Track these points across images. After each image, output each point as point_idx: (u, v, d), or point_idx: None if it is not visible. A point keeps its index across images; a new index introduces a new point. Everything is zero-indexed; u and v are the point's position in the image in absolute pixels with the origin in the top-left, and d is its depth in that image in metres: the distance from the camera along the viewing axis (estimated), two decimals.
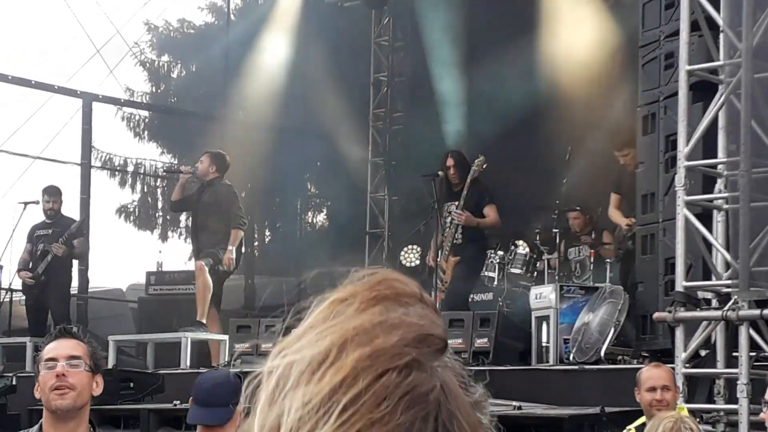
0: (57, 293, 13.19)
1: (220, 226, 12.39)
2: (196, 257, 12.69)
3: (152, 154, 21.26)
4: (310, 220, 21.76)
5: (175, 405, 9.85)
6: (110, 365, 11.67)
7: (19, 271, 13.43)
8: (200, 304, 12.17)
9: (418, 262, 16.28)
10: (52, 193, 13.40)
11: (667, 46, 9.41)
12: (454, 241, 11.88)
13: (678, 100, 8.49)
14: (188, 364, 11.81)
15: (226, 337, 11.93)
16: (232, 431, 5.21)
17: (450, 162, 11.95)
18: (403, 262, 16.41)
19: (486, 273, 13.05)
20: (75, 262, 13.71)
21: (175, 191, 13.01)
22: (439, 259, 11.95)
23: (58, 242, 13.00)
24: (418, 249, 16.27)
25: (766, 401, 5.09)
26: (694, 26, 8.35)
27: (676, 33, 9.15)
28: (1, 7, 21.86)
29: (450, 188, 11.97)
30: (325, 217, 21.74)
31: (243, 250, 13.53)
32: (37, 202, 13.61)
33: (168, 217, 21.05)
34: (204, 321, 12.09)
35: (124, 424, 10.30)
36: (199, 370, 11.53)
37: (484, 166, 11.80)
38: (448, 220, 11.92)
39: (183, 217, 21.15)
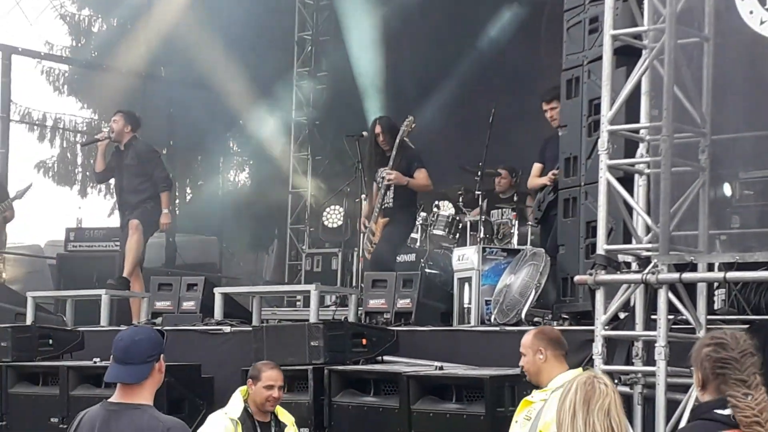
0: None
1: (146, 185, 12.39)
2: (122, 215, 12.65)
3: (72, 109, 21.01)
4: (232, 179, 21.66)
5: (95, 362, 9.78)
6: (29, 322, 11.57)
7: None
8: (128, 262, 12.16)
9: (340, 222, 16.29)
10: None
11: (592, 11, 9.45)
12: (384, 205, 11.87)
13: (601, 64, 8.54)
14: (108, 321, 11.74)
15: (146, 295, 11.87)
16: (151, 387, 5.19)
17: (378, 129, 11.91)
18: (326, 222, 16.41)
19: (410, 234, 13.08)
20: None
21: (97, 162, 12.87)
22: (369, 222, 11.94)
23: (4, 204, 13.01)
24: (341, 209, 16.28)
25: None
26: None
27: None
28: None
29: (381, 154, 11.92)
30: (247, 175, 21.65)
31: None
32: None
33: (87, 173, 20.83)
34: (129, 278, 12.07)
35: (42, 380, 10.20)
36: (120, 328, 11.47)
37: (413, 126, 11.78)
38: (382, 184, 11.87)
39: None
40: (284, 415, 8.08)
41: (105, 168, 12.76)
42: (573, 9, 9.64)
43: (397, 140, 11.72)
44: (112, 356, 5.24)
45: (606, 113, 8.07)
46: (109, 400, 5.24)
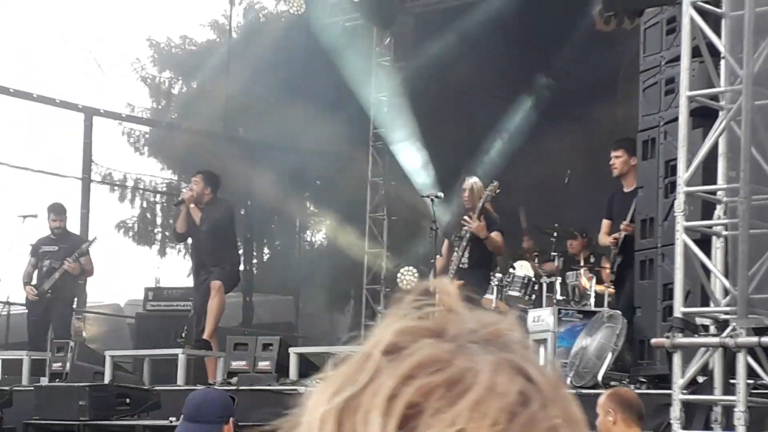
0: (61, 309, 13.35)
1: (224, 247, 12.54)
2: (197, 275, 12.76)
3: (152, 170, 21.28)
4: (308, 239, 21.77)
5: (171, 421, 9.84)
6: (107, 380, 11.68)
7: (25, 285, 13.53)
8: (210, 323, 12.24)
9: (414, 284, 16.28)
10: (58, 212, 13.61)
11: (668, 72, 9.43)
12: (460, 265, 11.84)
13: (677, 125, 8.51)
14: (184, 380, 11.81)
15: (222, 354, 11.93)
16: None
17: (466, 185, 11.92)
18: (400, 284, 16.42)
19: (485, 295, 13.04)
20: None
21: (179, 223, 12.96)
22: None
23: (69, 258, 13.17)
24: (415, 270, 16.28)
25: None
26: (695, 52, 8.35)
27: (677, 59, 9.18)
28: (4, 18, 21.91)
29: (462, 213, 11.90)
30: (323, 236, 21.75)
31: (241, 267, 13.56)
32: (35, 216, 13.70)
33: (167, 233, 21.05)
34: (209, 340, 12.16)
35: None
36: (196, 387, 11.54)
37: (497, 191, 11.78)
38: (462, 243, 11.84)
39: None
40: None
41: (186, 229, 12.86)
42: (649, 70, 9.62)
43: (480, 203, 11.70)
44: (182, 414, 5.31)
45: (683, 174, 8.04)
46: None
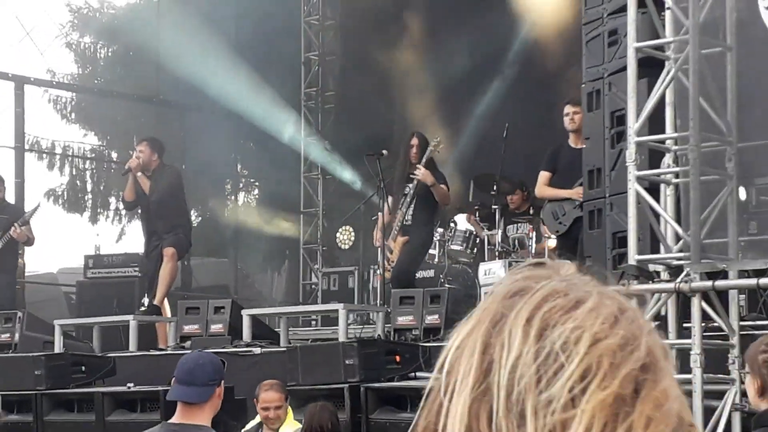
0: (4, 279, 13.26)
1: (177, 213, 12.54)
2: (149, 241, 12.74)
3: (79, 137, 21.11)
4: (241, 201, 21.76)
5: (129, 387, 9.87)
6: (58, 349, 11.66)
7: None
8: (162, 289, 12.27)
9: (351, 243, 16.38)
10: None
11: (611, 24, 9.56)
12: (405, 222, 11.95)
13: (623, 76, 8.65)
14: (136, 346, 11.83)
15: (174, 319, 11.96)
16: (210, 410, 5.34)
17: (415, 141, 11.98)
18: (340, 245, 16.52)
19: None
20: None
21: (128, 191, 12.91)
22: (387, 239, 12.02)
23: (16, 224, 13.08)
24: (351, 230, 16.38)
25: (746, 371, 5.25)
26: (640, 3, 8.49)
27: (619, 11, 9.33)
28: None
29: (407, 168, 11.98)
30: (255, 196, 21.75)
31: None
32: None
33: (99, 200, 20.94)
34: (160, 305, 12.17)
35: (77, 407, 10.28)
36: (148, 353, 11.58)
37: (441, 147, 11.89)
38: (406, 200, 11.93)
39: (112, 199, 21.05)
40: (288, 426, 8.22)
41: (135, 197, 12.83)
42: (591, 23, 9.75)
43: (425, 158, 11.81)
44: (174, 378, 5.40)
45: (632, 125, 8.19)
46: (170, 421, 5.39)
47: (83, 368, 10.55)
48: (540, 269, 1.28)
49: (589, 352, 1.17)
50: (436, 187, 11.71)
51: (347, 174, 17.15)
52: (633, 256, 8.16)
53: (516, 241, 13.21)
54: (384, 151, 12.32)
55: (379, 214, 12.52)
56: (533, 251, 12.82)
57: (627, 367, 1.18)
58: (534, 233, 12.99)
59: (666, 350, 1.23)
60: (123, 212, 20.33)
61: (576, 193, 10.60)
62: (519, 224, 13.45)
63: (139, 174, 12.51)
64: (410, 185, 11.83)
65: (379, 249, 12.22)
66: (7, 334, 12.25)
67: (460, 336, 1.26)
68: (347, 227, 16.47)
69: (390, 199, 12.21)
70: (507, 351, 1.19)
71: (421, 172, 11.68)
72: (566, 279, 1.25)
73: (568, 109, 10.94)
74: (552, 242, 12.23)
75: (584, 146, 9.92)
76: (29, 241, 13.54)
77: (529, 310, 1.21)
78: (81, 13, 21.59)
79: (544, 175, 11.24)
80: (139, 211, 13.19)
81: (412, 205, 11.88)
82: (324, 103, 18.04)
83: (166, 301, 12.57)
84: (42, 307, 16.29)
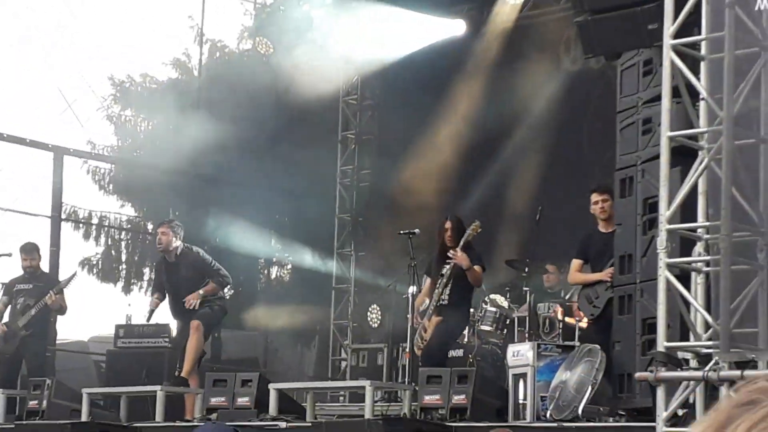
0: (35, 346, 13.38)
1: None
2: (182, 316, 12.83)
3: (116, 207, 21.30)
4: (273, 276, 21.84)
5: None
6: (84, 418, 11.70)
7: None
8: (189, 362, 12.31)
9: (379, 321, 16.43)
10: (29, 251, 13.71)
11: (645, 112, 9.67)
12: (440, 302, 11.96)
13: (656, 164, 8.73)
14: (162, 417, 11.85)
15: (201, 391, 11.99)
16: None
17: (448, 225, 12.04)
18: (369, 322, 16.57)
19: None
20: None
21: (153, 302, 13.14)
22: (423, 319, 12.05)
23: (53, 291, 13.23)
24: (378, 308, 16.43)
25: None
26: (674, 93, 8.59)
27: (654, 99, 9.43)
28: None
29: (445, 251, 12.01)
30: (288, 271, 21.82)
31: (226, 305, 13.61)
32: (10, 255, 13.75)
33: (133, 270, 21.07)
34: (187, 377, 12.21)
35: None
36: (175, 424, 11.60)
37: (479, 230, 11.93)
38: (443, 280, 11.95)
39: (146, 270, 21.17)
40: None
41: (159, 292, 13.04)
42: (626, 111, 9.86)
43: (462, 241, 11.83)
44: None
45: (664, 212, 8.24)
46: None
47: None
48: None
49: None
50: (471, 270, 11.75)
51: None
52: (662, 343, 8.18)
53: (546, 321, 13.23)
54: (416, 230, 12.39)
55: (412, 289, 12.56)
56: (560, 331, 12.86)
57: None
58: (564, 315, 13.01)
59: None
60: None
61: (606, 274, 10.63)
62: (549, 304, 13.48)
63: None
64: (447, 266, 11.86)
65: (409, 327, 12.25)
66: (36, 401, 12.31)
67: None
68: (374, 306, 16.52)
69: (427, 280, 12.27)
70: None
71: (458, 255, 11.73)
72: None
73: (596, 197, 11.00)
74: (583, 324, 12.25)
75: (615, 230, 9.98)
76: (62, 310, 13.68)
77: (747, 427, 1.31)
78: (123, 86, 21.88)
79: (576, 263, 11.30)
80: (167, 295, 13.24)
81: (449, 287, 11.90)
82: (359, 181, 18.16)
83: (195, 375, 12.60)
84: (72, 376, 16.34)
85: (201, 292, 12.52)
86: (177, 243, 12.74)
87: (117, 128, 21.34)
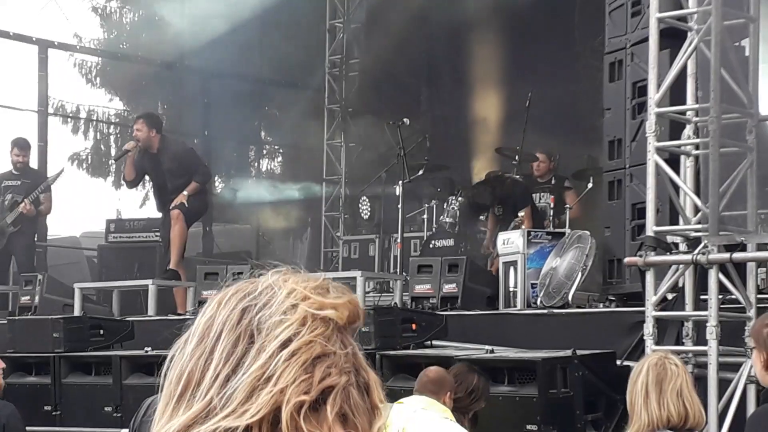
0: (23, 242, 13.33)
1: (188, 178, 12.56)
2: (164, 209, 12.75)
3: (104, 101, 21.14)
4: (264, 168, 21.75)
5: (146, 351, 9.90)
6: (77, 312, 11.71)
7: None
8: (174, 252, 12.26)
9: (369, 212, 16.37)
10: (23, 146, 13.64)
11: None
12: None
13: (645, 47, 8.61)
14: (155, 311, 11.86)
15: (192, 284, 11.98)
16: None
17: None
18: (360, 213, 16.49)
19: (446, 219, 13.17)
20: None
21: (127, 171, 12.89)
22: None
23: (27, 198, 13.17)
24: (366, 200, 16.36)
25: (752, 345, 5.22)
26: None
27: None
28: None
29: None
30: (279, 163, 21.75)
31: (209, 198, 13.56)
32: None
33: (122, 165, 20.95)
34: (176, 269, 12.18)
35: (95, 370, 10.33)
36: (167, 317, 11.61)
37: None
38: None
39: None
40: None
41: (135, 175, 12.84)
42: None
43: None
44: None
45: (653, 96, 8.14)
46: None
47: (102, 332, 10.58)
48: None
49: None
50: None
51: None
52: (651, 227, 8.13)
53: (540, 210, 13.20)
54: (406, 120, 12.30)
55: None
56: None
57: None
58: (554, 202, 12.96)
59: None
60: (146, 177, 20.35)
61: None
62: (541, 194, 13.41)
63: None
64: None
65: (400, 218, 12.24)
66: (28, 297, 12.32)
67: None
68: (364, 198, 16.45)
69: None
70: None
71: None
72: None
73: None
74: (572, 211, 12.23)
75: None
76: (40, 214, 13.63)
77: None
78: None
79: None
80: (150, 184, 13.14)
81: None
82: (348, 71, 17.98)
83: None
84: (64, 271, 16.36)
85: (185, 193, 12.42)
86: (155, 134, 12.58)
87: (102, 20, 21.07)
